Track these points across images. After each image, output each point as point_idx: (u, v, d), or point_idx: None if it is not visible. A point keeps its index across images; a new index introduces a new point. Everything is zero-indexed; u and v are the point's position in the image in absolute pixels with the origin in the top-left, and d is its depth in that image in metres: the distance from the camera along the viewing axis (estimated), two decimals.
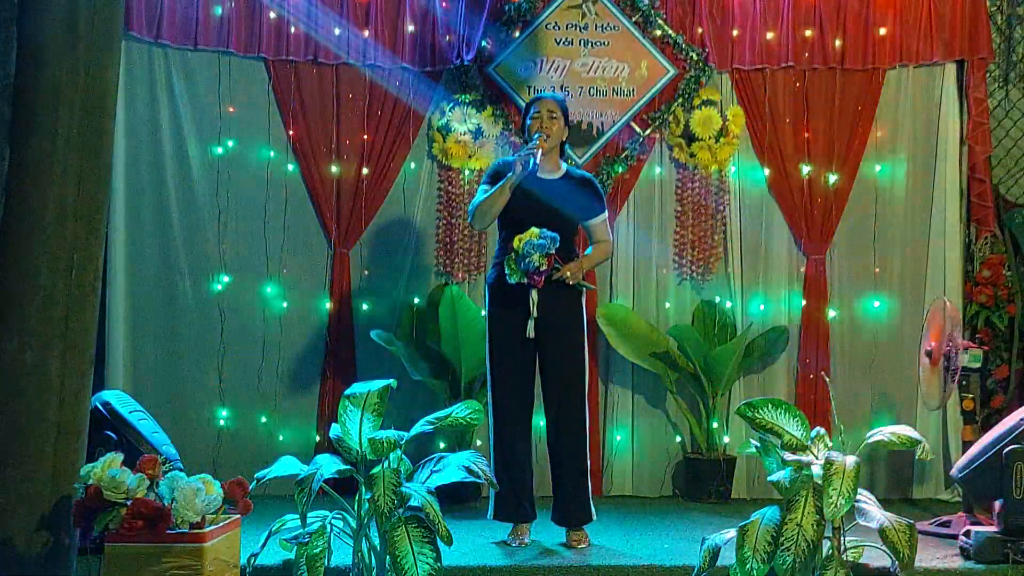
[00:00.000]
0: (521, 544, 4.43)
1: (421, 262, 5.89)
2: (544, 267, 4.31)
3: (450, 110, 5.80)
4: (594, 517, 4.54)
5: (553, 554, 4.31)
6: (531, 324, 4.41)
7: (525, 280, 4.34)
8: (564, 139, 4.65)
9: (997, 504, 4.21)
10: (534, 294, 4.39)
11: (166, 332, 5.72)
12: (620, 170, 5.83)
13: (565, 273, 4.41)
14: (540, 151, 4.41)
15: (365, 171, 5.83)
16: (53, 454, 3.60)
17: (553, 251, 4.32)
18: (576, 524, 4.51)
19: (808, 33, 5.87)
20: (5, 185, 3.65)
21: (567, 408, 4.50)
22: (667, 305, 5.95)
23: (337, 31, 5.77)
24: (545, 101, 4.59)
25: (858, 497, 3.62)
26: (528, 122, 4.57)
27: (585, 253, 4.68)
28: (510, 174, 4.41)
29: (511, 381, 4.51)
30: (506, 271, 4.37)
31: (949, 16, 5.84)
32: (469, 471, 3.64)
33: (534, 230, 4.31)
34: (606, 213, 4.69)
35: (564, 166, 4.67)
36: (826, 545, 3.66)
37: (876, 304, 5.94)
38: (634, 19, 5.89)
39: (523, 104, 5.82)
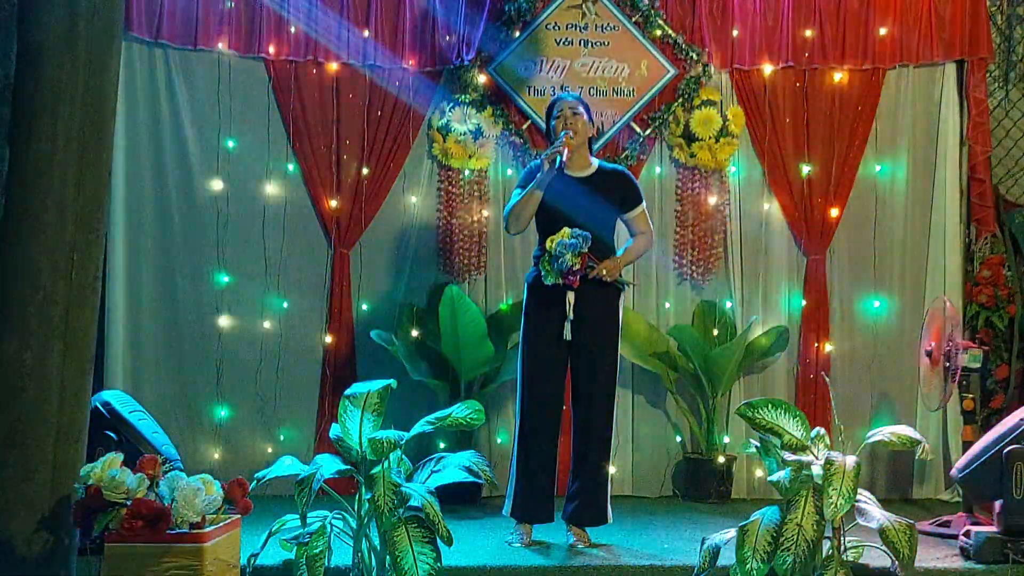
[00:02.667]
0: (523, 544, 4.43)
1: (421, 262, 5.89)
2: (578, 266, 4.29)
3: (450, 110, 5.79)
4: (610, 519, 4.53)
5: (554, 554, 4.31)
6: (567, 326, 4.40)
7: (561, 281, 4.32)
8: (591, 135, 4.64)
9: (997, 504, 4.21)
10: (571, 296, 4.37)
11: (166, 332, 5.72)
12: None
13: (601, 271, 4.39)
14: (567, 149, 4.40)
15: (365, 171, 5.83)
16: (53, 454, 3.60)
17: (586, 249, 4.30)
18: (590, 524, 4.50)
19: (808, 33, 5.87)
20: (5, 185, 3.65)
21: (596, 410, 4.48)
22: (667, 305, 5.95)
23: (337, 31, 5.77)
24: (566, 100, 4.60)
25: (858, 497, 3.62)
26: (552, 123, 4.57)
27: (624, 247, 4.64)
28: (539, 175, 4.42)
29: (543, 381, 4.48)
30: (541, 272, 4.36)
31: (949, 16, 5.84)
32: (469, 471, 3.64)
33: (566, 230, 4.30)
34: (644, 204, 4.66)
35: (595, 162, 4.65)
36: (826, 545, 3.66)
37: (876, 304, 5.94)
38: (634, 19, 5.89)
39: (523, 104, 5.85)
